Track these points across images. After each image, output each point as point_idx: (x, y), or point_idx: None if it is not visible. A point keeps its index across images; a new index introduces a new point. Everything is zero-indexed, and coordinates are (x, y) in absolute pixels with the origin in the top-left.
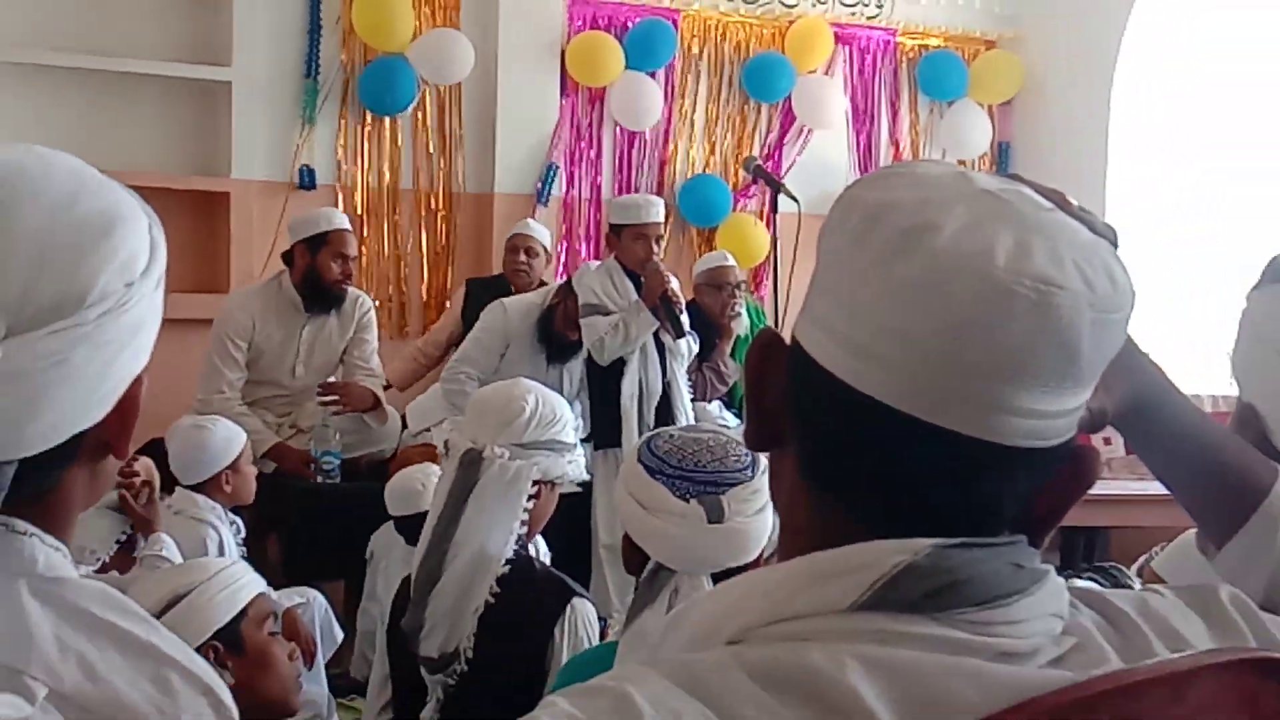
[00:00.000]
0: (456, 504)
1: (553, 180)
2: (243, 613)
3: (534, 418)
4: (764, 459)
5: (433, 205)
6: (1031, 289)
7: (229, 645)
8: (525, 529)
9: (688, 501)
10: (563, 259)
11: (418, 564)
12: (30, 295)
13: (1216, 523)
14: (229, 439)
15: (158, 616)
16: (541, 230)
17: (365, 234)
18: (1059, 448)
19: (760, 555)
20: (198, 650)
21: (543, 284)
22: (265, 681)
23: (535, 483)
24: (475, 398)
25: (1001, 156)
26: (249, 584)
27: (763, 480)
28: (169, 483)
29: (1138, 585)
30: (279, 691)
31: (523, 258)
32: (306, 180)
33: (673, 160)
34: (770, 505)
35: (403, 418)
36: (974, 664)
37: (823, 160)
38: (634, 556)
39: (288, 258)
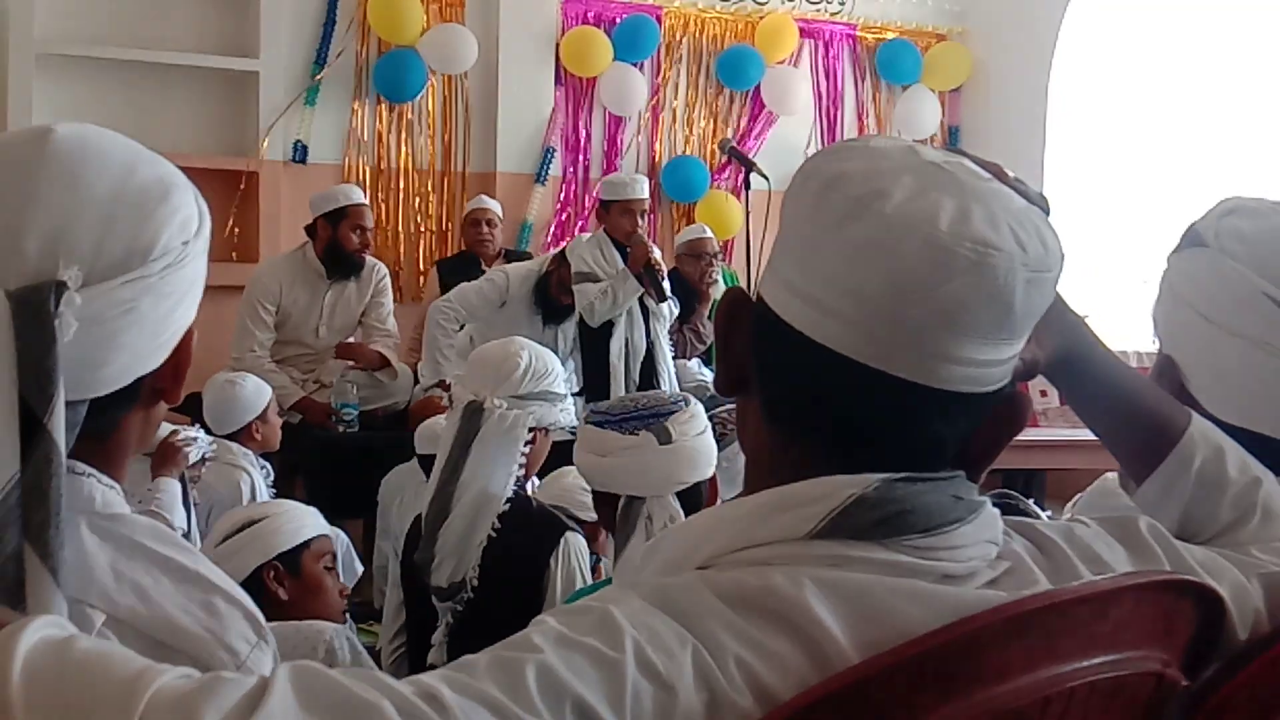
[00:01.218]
0: (461, 450)
1: (550, 161)
2: (305, 544)
3: (528, 371)
4: (696, 401)
5: (441, 183)
6: (971, 250)
7: (288, 567)
8: (523, 471)
9: (637, 435)
10: (553, 230)
11: (428, 503)
12: (103, 249)
13: (1137, 462)
14: (258, 392)
15: (232, 536)
16: (495, 203)
17: (380, 209)
18: (995, 393)
19: (716, 485)
20: (260, 568)
21: (509, 252)
22: (314, 606)
23: (531, 429)
24: (475, 355)
25: (951, 139)
26: (315, 525)
27: (698, 408)
28: (206, 432)
29: (1044, 516)
30: (325, 616)
31: (485, 230)
32: (299, 155)
33: (656, 142)
34: (709, 429)
35: (413, 370)
36: (918, 585)
37: (789, 142)
38: (605, 509)
39: (311, 230)
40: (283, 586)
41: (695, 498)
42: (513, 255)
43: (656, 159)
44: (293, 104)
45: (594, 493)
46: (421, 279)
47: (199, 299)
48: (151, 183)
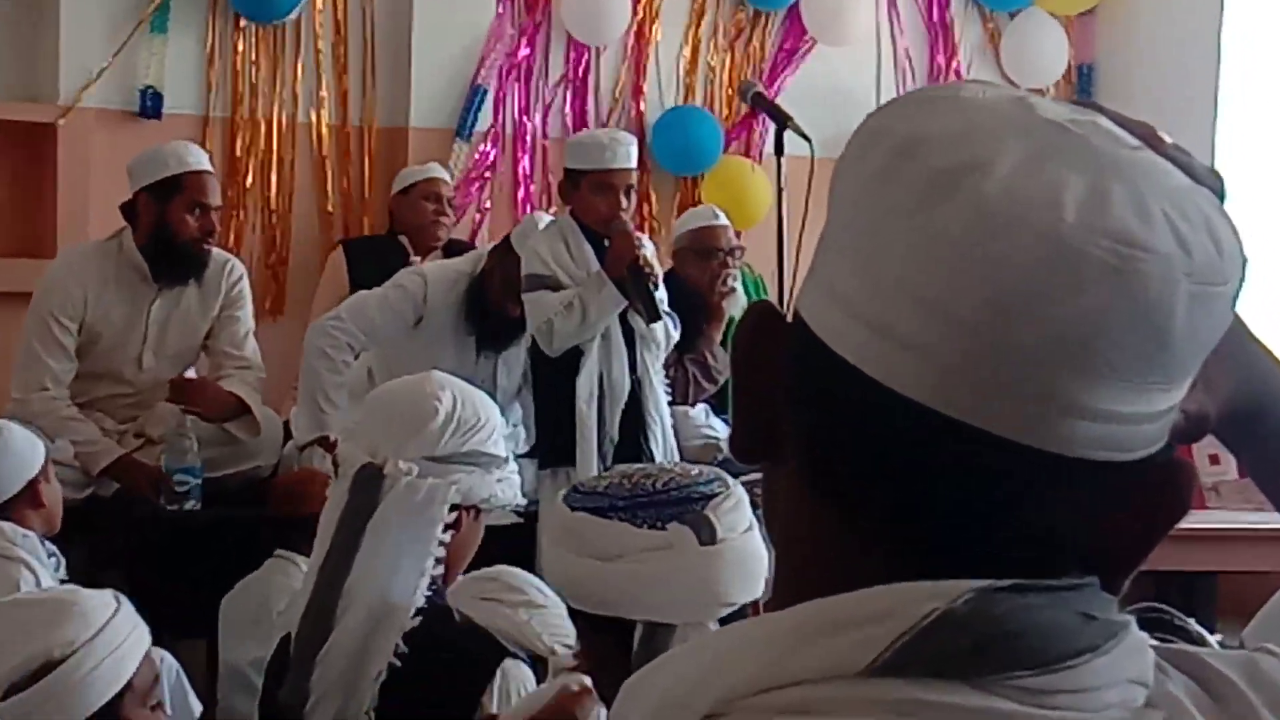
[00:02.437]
0: (350, 537)
1: (478, 109)
2: (128, 685)
3: (451, 421)
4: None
5: (327, 143)
6: (1109, 251)
7: None
8: (442, 570)
9: (663, 529)
10: (482, 214)
11: (300, 616)
12: None
13: None
14: (30, 446)
15: (22, 688)
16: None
17: (237, 179)
18: (1142, 462)
19: (759, 609)
20: None
21: (458, 246)
22: None
23: (454, 508)
24: (373, 398)
25: (1081, 84)
26: (138, 640)
27: (739, 491)
28: None
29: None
30: None
31: (444, 208)
32: (150, 107)
33: (643, 85)
34: (757, 526)
35: (285, 425)
36: None
37: (842, 88)
38: (601, 641)
39: (129, 210)
40: None
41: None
42: (453, 248)
43: (644, 111)
44: (137, 30)
45: (580, 616)
46: (290, 282)
47: None
48: None
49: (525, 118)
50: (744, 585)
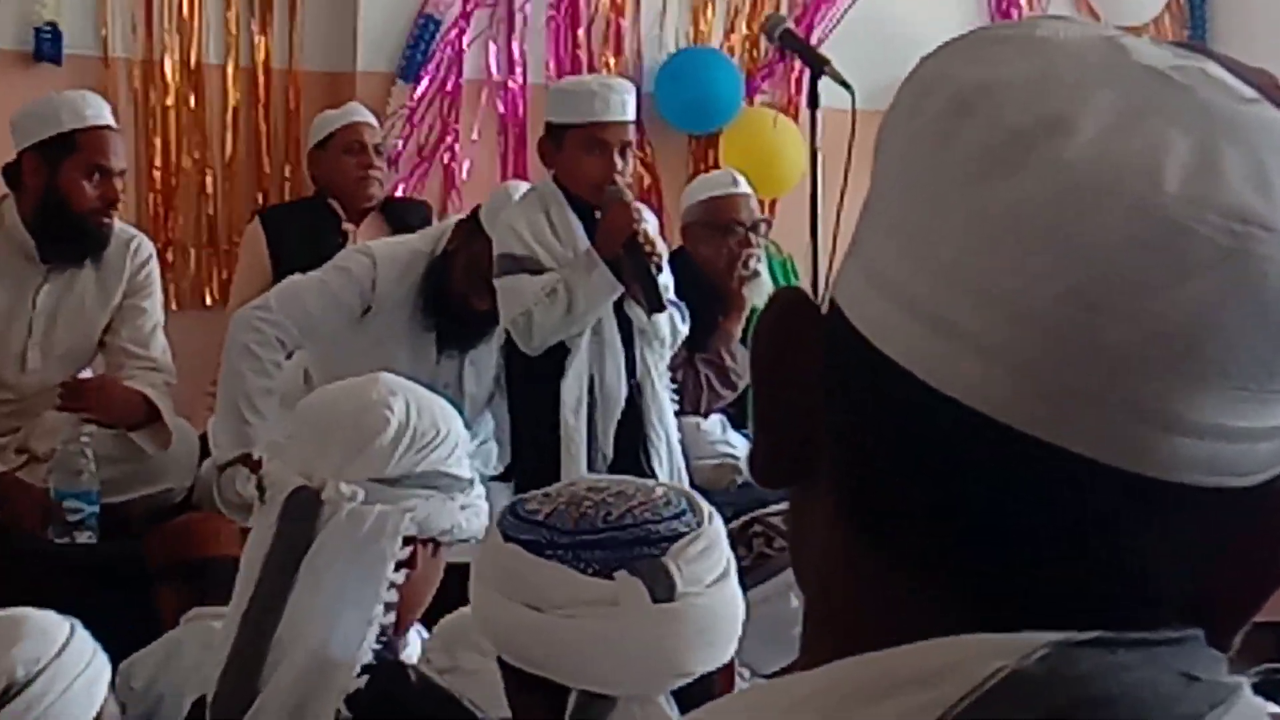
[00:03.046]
0: (279, 578)
1: (428, 48)
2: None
3: (403, 435)
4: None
5: (256, 91)
6: (1221, 229)
7: None
8: (393, 618)
9: (610, 578)
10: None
11: (219, 675)
12: None
13: None
14: None
15: None
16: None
17: (145, 137)
18: (1258, 489)
19: (732, 673)
20: None
21: (398, 206)
22: None
23: (408, 540)
24: (307, 406)
25: (1193, 18)
26: (102, 665)
27: (715, 528)
28: None
29: None
30: None
31: (371, 158)
32: (49, 49)
33: (642, 21)
34: (733, 566)
35: (203, 437)
36: None
37: (890, 24)
38: (526, 695)
39: (13, 174)
40: None
41: (700, 695)
42: (395, 209)
43: (642, 51)
44: None
45: (506, 668)
46: (212, 264)
47: None
48: None
49: (494, 59)
50: (706, 653)
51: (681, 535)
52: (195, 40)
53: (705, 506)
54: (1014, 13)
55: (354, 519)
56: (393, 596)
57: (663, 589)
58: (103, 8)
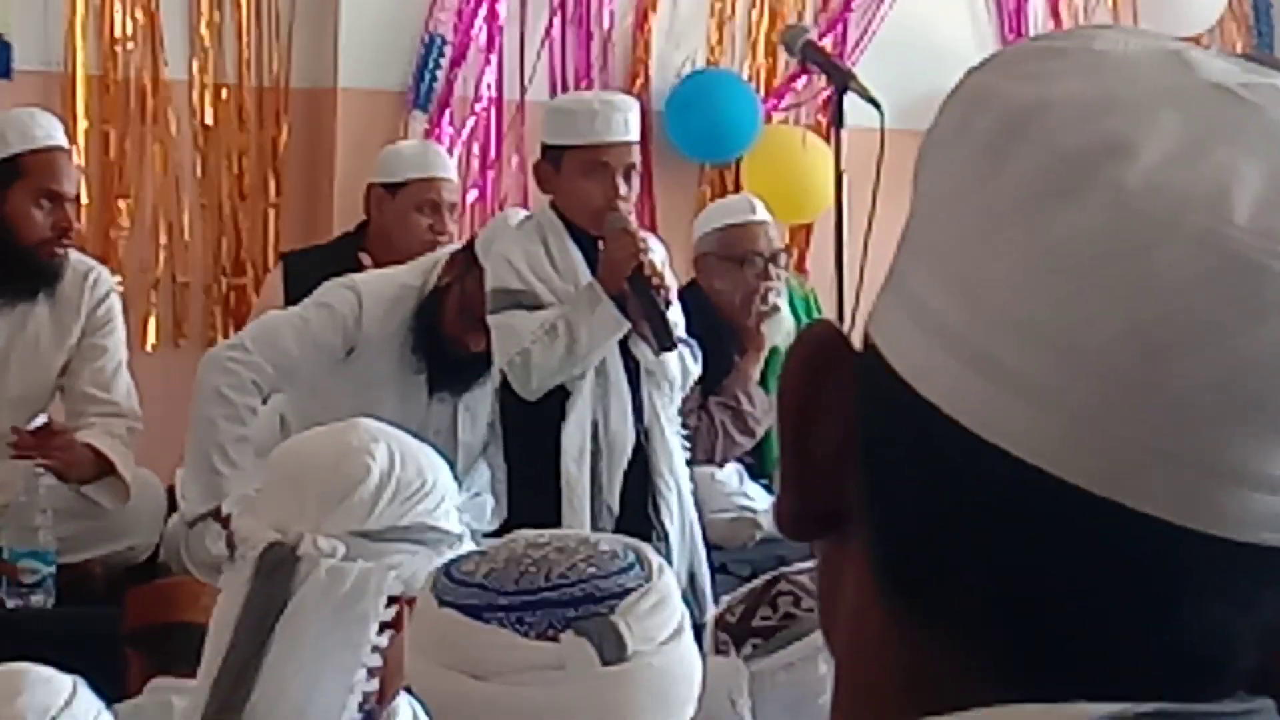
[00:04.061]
0: (253, 642)
1: (436, 67)
2: None
3: (387, 485)
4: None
5: (229, 109)
6: None
7: None
8: (376, 683)
9: (555, 640)
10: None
11: None
12: None
13: None
14: None
15: None
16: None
17: (106, 158)
18: None
19: None
20: None
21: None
22: None
23: (392, 599)
24: (283, 454)
25: (1259, 23)
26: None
27: (666, 581)
28: None
29: None
30: None
31: (445, 222)
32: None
33: (648, 35)
34: (687, 625)
35: (169, 491)
36: None
37: (925, 38)
38: None
39: None
40: None
41: None
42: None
43: (649, 71)
44: None
45: None
46: (182, 300)
47: None
48: None
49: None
50: (660, 717)
51: (630, 591)
52: (154, 53)
53: (654, 559)
54: (1063, 22)
55: (333, 577)
56: (376, 661)
57: (612, 650)
58: (57, 18)
